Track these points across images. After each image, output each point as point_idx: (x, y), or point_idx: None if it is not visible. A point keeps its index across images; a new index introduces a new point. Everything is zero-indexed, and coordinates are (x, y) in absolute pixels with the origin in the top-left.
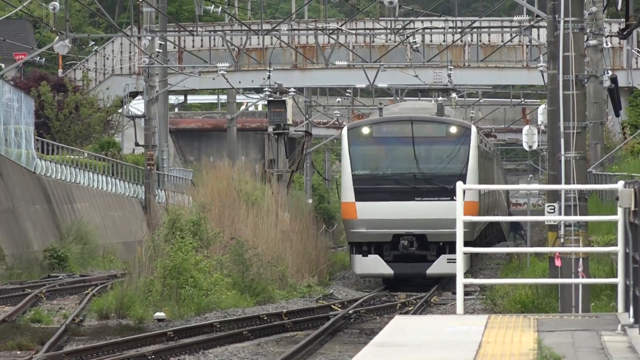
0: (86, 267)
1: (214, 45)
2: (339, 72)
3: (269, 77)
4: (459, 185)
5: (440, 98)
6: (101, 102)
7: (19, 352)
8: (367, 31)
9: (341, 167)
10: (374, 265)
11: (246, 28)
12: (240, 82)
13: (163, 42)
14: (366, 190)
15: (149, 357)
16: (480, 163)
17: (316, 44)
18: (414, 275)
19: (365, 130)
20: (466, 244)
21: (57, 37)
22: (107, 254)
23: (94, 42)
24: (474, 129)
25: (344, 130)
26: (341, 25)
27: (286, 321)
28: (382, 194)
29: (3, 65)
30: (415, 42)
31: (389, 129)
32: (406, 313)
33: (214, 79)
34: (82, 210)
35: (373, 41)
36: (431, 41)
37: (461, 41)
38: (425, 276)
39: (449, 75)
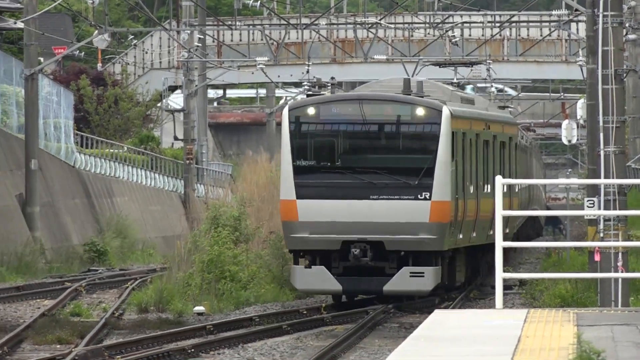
0: (125, 261)
1: (253, 40)
2: (378, 66)
3: (307, 71)
4: (498, 179)
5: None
6: (140, 96)
7: (58, 346)
8: (406, 25)
9: (280, 156)
10: (319, 279)
11: (285, 22)
12: (279, 76)
13: (202, 36)
14: (310, 185)
15: (189, 351)
16: (461, 154)
17: (355, 38)
18: (367, 292)
19: (311, 111)
20: (432, 255)
21: (96, 31)
22: (146, 248)
23: (133, 36)
24: (445, 111)
25: (285, 111)
26: (380, 20)
27: (325, 315)
28: (329, 190)
29: (42, 59)
30: (454, 36)
31: (340, 109)
32: (445, 307)
33: (252, 73)
34: (121, 204)
35: (412, 35)
36: (470, 35)
37: (500, 35)
38: (382, 293)
39: (488, 70)
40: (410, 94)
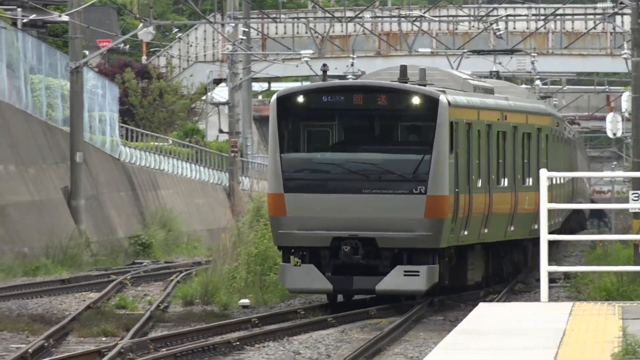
0: (170, 253)
1: (297, 33)
2: (422, 59)
3: (352, 64)
4: (543, 172)
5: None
6: (185, 89)
7: (104, 338)
8: (451, 18)
9: (268, 147)
10: (308, 277)
11: (329, 15)
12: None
13: (246, 29)
14: (299, 178)
15: (234, 344)
16: (465, 145)
17: (399, 31)
18: (359, 292)
19: (300, 99)
20: (428, 253)
21: (141, 24)
22: (191, 241)
23: (177, 29)
24: (443, 100)
25: (272, 100)
26: (424, 13)
27: (370, 308)
28: (319, 184)
29: (87, 52)
30: (498, 29)
31: (331, 99)
32: (490, 300)
33: (297, 66)
34: (166, 197)
35: (456, 28)
36: (514, 28)
37: (544, 28)
38: (375, 292)
39: (533, 63)
40: (406, 82)
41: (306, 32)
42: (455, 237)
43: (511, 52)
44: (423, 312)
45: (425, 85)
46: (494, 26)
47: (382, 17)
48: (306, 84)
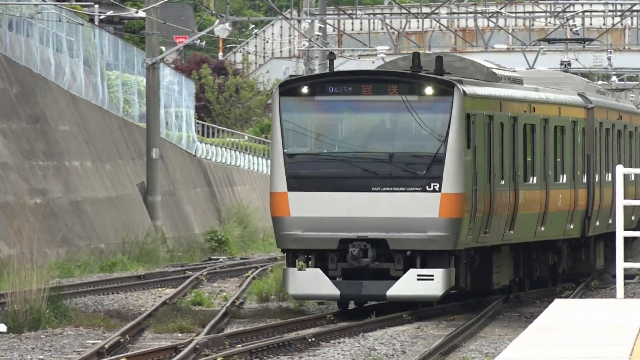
0: (246, 249)
1: (374, 29)
2: (498, 55)
3: None
4: (619, 169)
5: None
6: (261, 85)
7: (180, 335)
8: (527, 14)
9: (270, 142)
10: (314, 282)
11: (406, 11)
12: None
13: (323, 25)
14: (303, 175)
15: (309, 340)
16: (485, 139)
17: (475, 27)
18: (368, 298)
19: (304, 90)
20: (444, 255)
21: (218, 21)
22: (267, 237)
23: (253, 25)
24: (458, 90)
25: (275, 90)
26: (501, 9)
27: (446, 304)
28: (325, 181)
29: (164, 49)
30: (574, 25)
31: (338, 89)
32: (566, 297)
33: (373, 62)
34: (242, 193)
35: (532, 24)
36: (591, 24)
37: (621, 24)
38: (385, 299)
39: (609, 59)
40: (419, 71)
41: (382, 28)
42: (475, 238)
43: (583, 41)
44: (498, 308)
45: (442, 75)
46: (570, 22)
47: (458, 13)
48: None
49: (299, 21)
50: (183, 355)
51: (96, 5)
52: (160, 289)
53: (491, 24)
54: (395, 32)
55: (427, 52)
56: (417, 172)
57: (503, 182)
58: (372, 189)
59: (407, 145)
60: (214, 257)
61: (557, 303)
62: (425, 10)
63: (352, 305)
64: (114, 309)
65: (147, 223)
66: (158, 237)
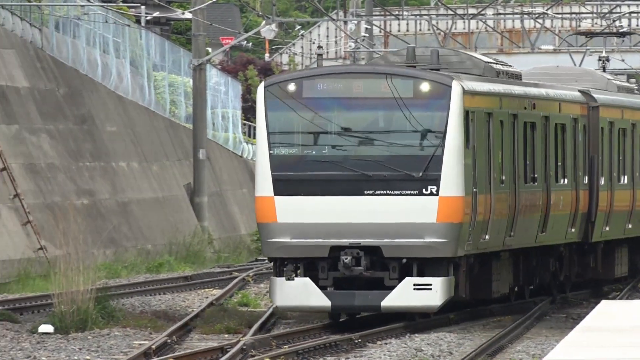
0: None
1: (420, 30)
2: (545, 56)
3: None
4: None
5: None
6: None
7: (226, 335)
8: (573, 15)
9: (255, 142)
10: (303, 293)
11: (452, 12)
12: None
13: (369, 26)
14: (291, 178)
15: (356, 341)
16: (485, 138)
17: (522, 28)
18: (362, 309)
19: (291, 87)
20: (442, 262)
21: (264, 22)
22: None
23: (300, 27)
24: (456, 86)
25: (260, 88)
26: (547, 10)
27: (492, 306)
28: (314, 184)
29: (210, 50)
30: (621, 26)
31: (327, 86)
32: (613, 298)
33: None
34: None
35: (579, 25)
36: (638, 25)
37: None
38: (380, 309)
39: None
40: (414, 66)
41: (428, 29)
42: (475, 243)
43: (622, 35)
44: (545, 309)
45: (438, 70)
46: (617, 23)
47: (504, 14)
48: None
49: (346, 22)
50: (230, 356)
51: (143, 7)
52: (207, 290)
53: (538, 25)
54: (442, 33)
55: (426, 47)
56: (413, 174)
57: (503, 183)
58: (365, 192)
59: (402, 146)
60: (261, 258)
61: (604, 304)
62: (472, 11)
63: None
64: (161, 309)
65: (194, 224)
66: (205, 238)
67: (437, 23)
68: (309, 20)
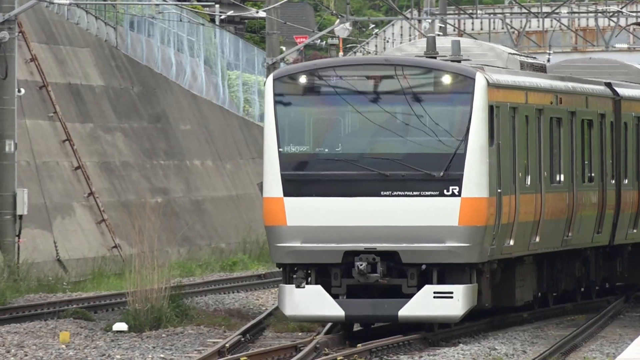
0: None
1: (494, 28)
2: (619, 54)
3: (548, 60)
4: None
5: None
6: None
7: (300, 334)
8: None
9: (263, 139)
10: (314, 302)
11: (526, 11)
12: None
13: (443, 25)
14: (302, 178)
15: (429, 340)
16: (510, 135)
17: (596, 26)
18: (378, 319)
19: (302, 80)
20: (464, 269)
21: (338, 20)
22: None
23: (374, 25)
24: (480, 79)
25: (268, 81)
26: (622, 8)
27: (566, 304)
28: (327, 185)
29: (284, 48)
30: None
31: (342, 79)
32: None
33: None
34: None
35: None
36: None
37: None
38: (397, 319)
39: None
40: (435, 57)
41: (502, 28)
42: (499, 248)
43: None
44: (620, 308)
45: (460, 62)
46: None
47: (579, 12)
48: None
49: (420, 21)
50: (303, 354)
51: (217, 5)
52: None
53: (612, 24)
54: (516, 32)
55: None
56: (434, 174)
57: (529, 183)
58: (382, 193)
59: (421, 143)
60: None
61: None
62: (546, 9)
63: (357, 327)
64: (234, 308)
65: None
66: None
67: (511, 22)
68: (383, 18)
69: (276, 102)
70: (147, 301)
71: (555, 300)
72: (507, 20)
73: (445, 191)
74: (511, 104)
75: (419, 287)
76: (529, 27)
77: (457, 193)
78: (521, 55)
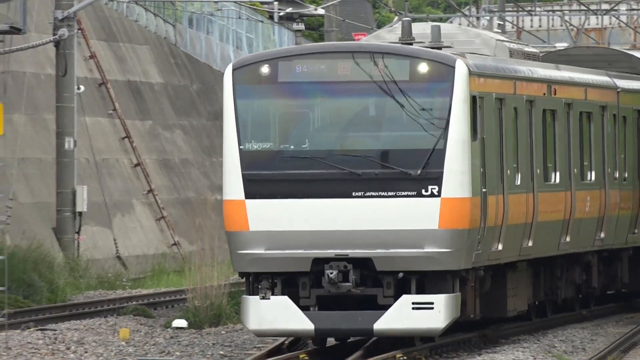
0: None
1: (552, 25)
2: None
3: None
4: None
5: None
6: None
7: None
8: None
9: (223, 136)
10: (281, 315)
11: (585, 8)
12: None
13: (501, 22)
14: (265, 178)
15: (489, 337)
16: (495, 128)
17: None
18: (351, 333)
19: (264, 70)
20: (446, 277)
21: (396, 17)
22: None
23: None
24: (460, 66)
25: (227, 71)
26: None
27: (623, 303)
28: (293, 186)
29: None
30: None
31: (307, 67)
32: None
33: None
34: None
35: None
36: None
37: None
38: (372, 334)
39: None
40: (411, 44)
41: (561, 25)
42: (485, 253)
43: None
44: None
45: (440, 49)
46: None
47: (638, 9)
48: None
49: (478, 18)
50: (361, 352)
51: (276, 3)
52: None
53: None
54: (574, 29)
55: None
56: (410, 172)
57: (519, 182)
58: (354, 194)
59: (396, 138)
60: None
61: None
62: (605, 6)
63: (330, 342)
64: None
65: None
66: None
67: (569, 19)
68: (442, 16)
69: (236, 95)
70: (206, 298)
71: (554, 310)
72: (566, 18)
73: (423, 191)
74: (497, 95)
75: (396, 298)
76: (588, 24)
77: (436, 193)
78: (512, 42)
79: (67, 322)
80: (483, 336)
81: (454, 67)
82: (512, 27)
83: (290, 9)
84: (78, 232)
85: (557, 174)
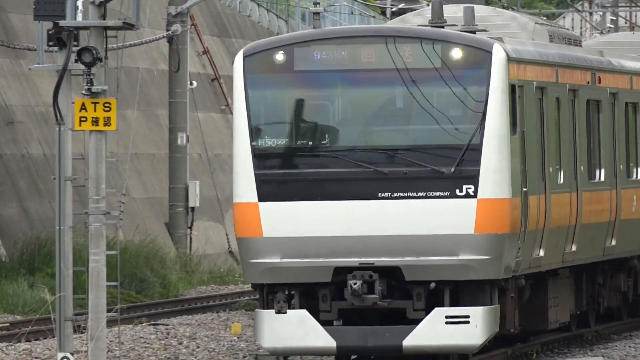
0: None
1: None
2: None
3: None
4: None
5: None
6: None
7: None
8: None
9: (232, 131)
10: (299, 330)
11: None
12: None
13: (614, 18)
14: (280, 179)
15: (601, 333)
16: (537, 120)
17: None
18: (378, 351)
19: (279, 57)
20: (483, 287)
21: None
22: None
23: (545, 18)
24: (498, 52)
25: (237, 59)
26: None
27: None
28: (312, 186)
29: None
30: None
31: (327, 54)
32: None
33: None
34: None
35: None
36: None
37: None
38: (401, 351)
39: None
40: (442, 27)
41: None
42: (526, 260)
43: None
44: None
45: (474, 32)
46: None
47: None
48: None
49: (591, 13)
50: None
51: None
52: None
53: None
54: None
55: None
56: (443, 170)
57: (562, 181)
58: (379, 195)
59: (427, 133)
60: None
61: None
62: None
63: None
64: None
65: None
66: None
67: None
68: (554, 11)
69: (247, 85)
70: None
71: (597, 320)
72: None
73: (457, 191)
74: (538, 83)
75: (428, 311)
76: None
77: (472, 194)
78: (551, 26)
79: (179, 317)
80: (595, 332)
81: (490, 53)
82: (625, 23)
83: (403, 4)
84: (190, 227)
85: (602, 171)
